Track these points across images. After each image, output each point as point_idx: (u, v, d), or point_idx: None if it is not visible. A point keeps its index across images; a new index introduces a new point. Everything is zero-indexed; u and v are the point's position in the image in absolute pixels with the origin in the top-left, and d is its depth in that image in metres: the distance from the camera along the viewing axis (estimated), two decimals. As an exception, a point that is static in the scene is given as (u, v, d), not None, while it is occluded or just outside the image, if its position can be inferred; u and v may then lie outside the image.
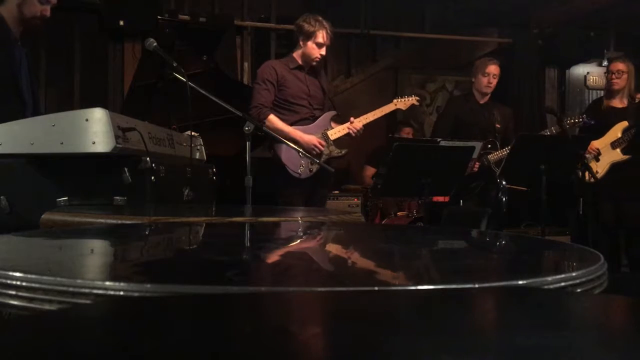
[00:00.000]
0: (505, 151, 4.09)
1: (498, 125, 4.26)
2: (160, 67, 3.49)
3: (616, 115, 4.44)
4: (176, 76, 2.69)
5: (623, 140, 4.35)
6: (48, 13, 2.67)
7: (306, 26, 3.60)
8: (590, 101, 5.65)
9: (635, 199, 4.32)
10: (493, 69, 4.34)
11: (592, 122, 4.29)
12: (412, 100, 3.98)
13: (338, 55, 6.38)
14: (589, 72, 6.65)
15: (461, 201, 3.96)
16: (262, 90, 3.56)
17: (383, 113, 3.85)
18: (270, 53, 5.79)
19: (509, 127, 4.42)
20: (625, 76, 4.41)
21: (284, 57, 3.87)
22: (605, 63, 6.22)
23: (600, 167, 4.34)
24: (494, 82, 4.36)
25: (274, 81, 3.57)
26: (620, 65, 4.43)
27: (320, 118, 3.69)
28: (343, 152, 3.72)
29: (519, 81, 6.51)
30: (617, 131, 4.39)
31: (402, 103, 3.94)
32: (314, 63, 3.68)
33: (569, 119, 4.21)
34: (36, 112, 2.71)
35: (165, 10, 5.31)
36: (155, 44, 2.65)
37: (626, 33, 6.49)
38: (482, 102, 4.39)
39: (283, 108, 3.60)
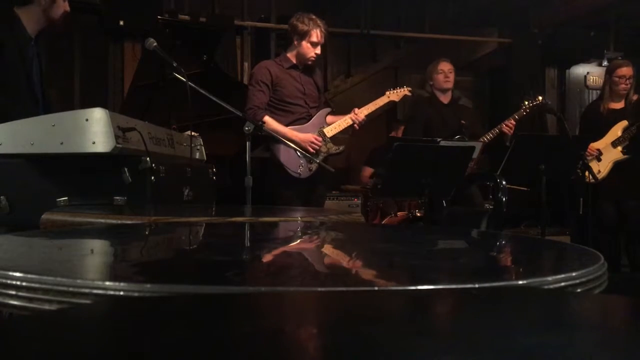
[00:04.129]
0: (485, 139, 4.16)
1: (463, 122, 4.28)
2: (160, 67, 3.49)
3: (615, 116, 4.45)
4: (176, 76, 2.69)
5: (624, 139, 4.37)
6: (68, 8, 2.72)
7: (300, 25, 3.57)
8: (590, 101, 5.66)
9: (636, 198, 4.32)
10: (444, 65, 4.40)
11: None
12: (405, 91, 3.97)
13: (338, 55, 6.38)
14: (589, 72, 6.65)
15: (444, 202, 3.93)
16: (257, 92, 3.53)
17: (377, 106, 3.82)
18: (270, 53, 5.79)
19: (476, 123, 4.46)
20: (632, 80, 4.42)
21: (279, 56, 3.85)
22: (605, 63, 6.22)
23: (602, 167, 4.35)
24: (451, 76, 4.42)
25: (269, 82, 3.55)
26: (629, 71, 4.43)
27: (315, 116, 3.67)
28: (340, 148, 3.70)
29: (519, 81, 6.52)
30: (617, 130, 4.41)
31: (394, 95, 3.93)
32: (309, 62, 3.66)
33: (527, 102, 4.26)
34: (47, 111, 2.72)
35: (165, 10, 5.31)
36: (155, 44, 2.65)
37: (626, 33, 6.50)
38: (446, 102, 4.43)
39: (279, 108, 3.58)
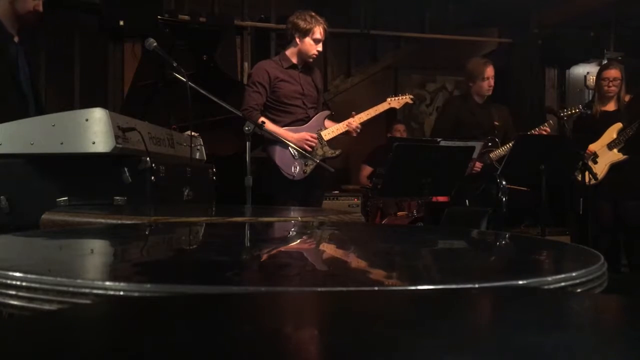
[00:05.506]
0: (506, 148, 4.14)
1: (497, 123, 4.28)
2: (160, 67, 3.49)
3: (609, 118, 4.47)
4: (176, 76, 2.69)
5: (619, 141, 4.38)
6: (40, 8, 2.68)
7: (302, 23, 3.57)
8: (588, 101, 5.66)
9: (634, 198, 4.33)
10: (490, 70, 4.37)
11: (589, 112, 4.36)
12: (406, 98, 3.97)
13: (338, 55, 6.38)
14: (589, 72, 6.65)
15: (467, 201, 3.95)
16: (253, 93, 3.53)
17: (377, 112, 3.82)
18: (270, 53, 5.79)
19: (509, 125, 4.45)
20: (619, 82, 4.44)
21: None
22: (605, 63, 6.23)
23: (598, 169, 4.35)
24: (493, 82, 4.40)
25: (266, 83, 3.54)
26: (615, 73, 4.46)
27: (313, 118, 3.66)
28: (337, 152, 3.69)
29: (519, 81, 6.51)
30: (612, 133, 4.42)
31: (395, 102, 3.93)
32: (310, 60, 3.66)
33: (564, 110, 4.25)
34: (38, 107, 2.71)
35: (165, 10, 5.31)
36: (155, 44, 2.65)
37: (626, 33, 6.49)
38: (480, 102, 4.42)
39: (277, 109, 3.58)
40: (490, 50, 6.77)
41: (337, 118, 3.79)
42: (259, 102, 3.52)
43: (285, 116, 3.58)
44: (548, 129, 4.19)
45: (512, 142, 3.74)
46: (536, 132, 4.19)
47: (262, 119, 3.47)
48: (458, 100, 4.61)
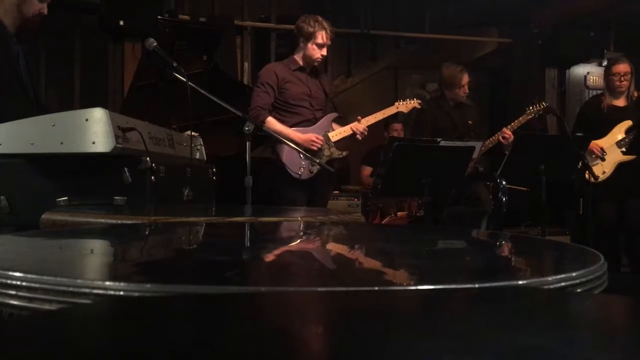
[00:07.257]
0: (484, 148, 4.15)
1: (470, 123, 4.28)
2: (160, 67, 3.49)
3: (618, 114, 4.44)
4: (176, 76, 2.69)
5: (628, 140, 4.36)
6: (45, 11, 2.67)
7: (305, 27, 3.60)
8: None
9: (636, 198, 4.32)
10: (465, 78, 4.37)
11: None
12: (414, 103, 3.99)
13: (338, 55, 6.38)
14: (589, 72, 6.65)
15: (452, 202, 3.95)
16: (261, 93, 3.56)
17: (385, 115, 3.85)
18: (270, 53, 5.79)
19: (480, 122, 4.47)
20: (630, 77, 4.42)
21: (284, 57, 3.87)
22: (605, 63, 6.23)
23: (606, 167, 4.33)
24: (467, 89, 4.42)
25: (274, 84, 3.57)
26: (625, 68, 4.43)
27: (321, 120, 3.69)
28: (344, 153, 3.72)
29: (519, 81, 6.51)
30: (621, 130, 4.39)
31: (403, 106, 3.96)
32: (316, 64, 3.69)
33: (530, 107, 4.24)
34: (39, 107, 2.70)
35: (165, 10, 5.31)
36: (155, 44, 2.65)
37: (626, 33, 6.50)
38: (453, 105, 4.43)
39: (284, 110, 3.61)
40: (490, 50, 6.78)
41: (339, 118, 3.81)
42: (267, 102, 3.56)
43: (292, 117, 3.61)
44: (507, 135, 4.14)
45: (512, 142, 3.74)
46: (500, 139, 4.18)
47: (270, 118, 3.50)
48: (432, 104, 4.60)
